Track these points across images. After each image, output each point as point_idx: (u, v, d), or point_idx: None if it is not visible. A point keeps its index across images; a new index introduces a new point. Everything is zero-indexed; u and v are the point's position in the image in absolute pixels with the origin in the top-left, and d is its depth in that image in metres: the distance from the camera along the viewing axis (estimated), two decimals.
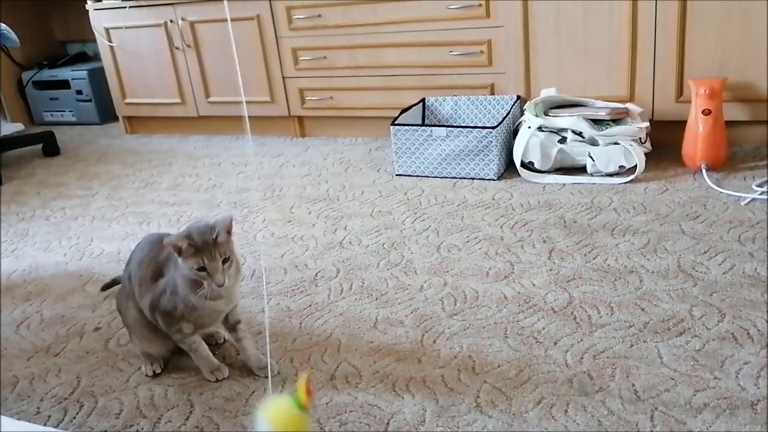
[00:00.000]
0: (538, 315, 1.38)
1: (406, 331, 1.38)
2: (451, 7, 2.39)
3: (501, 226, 1.82)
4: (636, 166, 2.01)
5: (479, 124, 2.41)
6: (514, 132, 2.24)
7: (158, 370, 1.33)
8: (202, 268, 1.14)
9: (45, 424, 1.20)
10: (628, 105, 2.14)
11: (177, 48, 3.00)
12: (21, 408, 1.27)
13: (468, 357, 1.26)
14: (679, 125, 2.08)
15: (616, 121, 2.11)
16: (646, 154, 2.06)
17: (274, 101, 2.89)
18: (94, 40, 3.25)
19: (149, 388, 1.29)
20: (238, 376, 1.29)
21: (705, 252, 1.55)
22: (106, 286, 1.61)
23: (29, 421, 1.21)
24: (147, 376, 1.32)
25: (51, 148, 3.14)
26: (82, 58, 3.87)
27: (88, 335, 1.51)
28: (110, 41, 3.16)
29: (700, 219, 1.72)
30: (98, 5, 3.11)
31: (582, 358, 1.23)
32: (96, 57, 3.72)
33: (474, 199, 2.03)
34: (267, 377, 1.25)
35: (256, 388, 1.25)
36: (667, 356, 1.20)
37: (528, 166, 2.15)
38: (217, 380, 1.28)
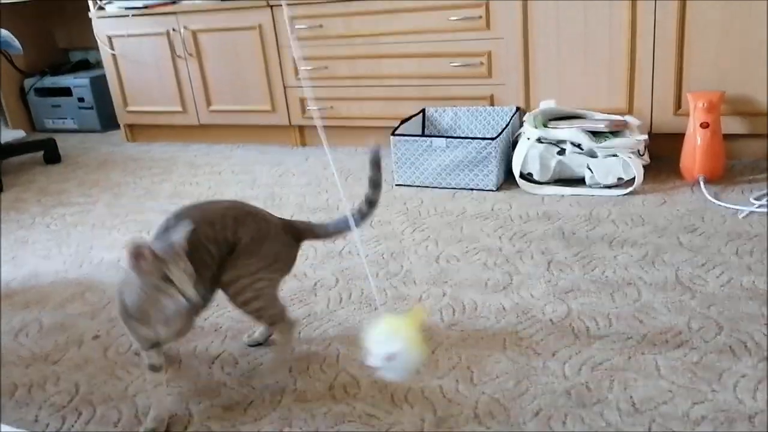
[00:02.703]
0: (537, 326, 1.38)
1: None
2: (452, 18, 2.41)
3: (500, 237, 1.82)
4: (634, 178, 2.02)
5: (479, 135, 2.42)
6: (514, 143, 2.25)
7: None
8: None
9: None
10: (627, 117, 2.15)
11: (179, 56, 3.02)
12: (19, 416, 1.27)
13: (466, 368, 1.27)
14: (678, 138, 2.10)
15: (614, 133, 2.12)
16: (644, 167, 2.07)
17: (274, 110, 2.90)
18: (97, 48, 3.27)
19: (148, 396, 1.29)
20: (237, 385, 1.29)
21: (703, 264, 1.56)
22: None
23: (27, 429, 1.21)
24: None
25: (52, 156, 3.15)
26: (84, 65, 3.89)
27: (87, 343, 1.51)
28: (112, 49, 3.18)
29: (698, 231, 1.73)
30: (101, 13, 3.13)
31: (580, 369, 1.23)
32: (98, 65, 3.74)
33: (473, 210, 2.04)
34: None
35: (254, 397, 1.25)
36: (665, 368, 1.21)
37: (527, 177, 2.16)
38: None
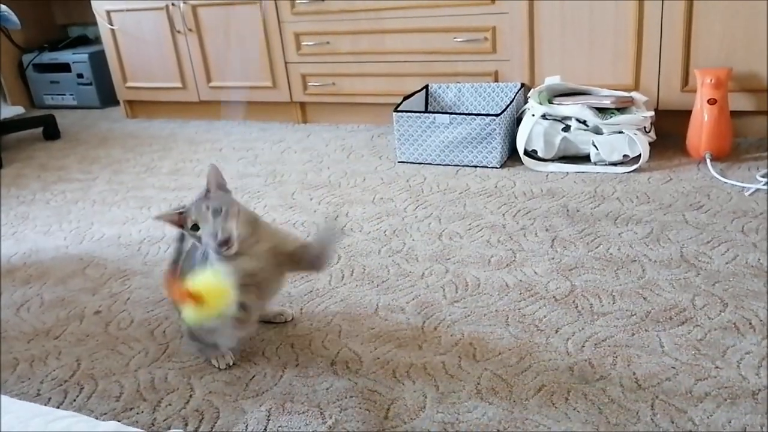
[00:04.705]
0: (540, 303, 1.38)
1: (407, 317, 1.38)
2: None
3: (503, 214, 1.81)
4: (640, 155, 2.00)
5: (483, 112, 2.39)
6: (518, 120, 2.23)
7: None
8: (195, 227, 1.12)
9: (45, 406, 1.20)
10: (633, 94, 2.12)
11: (178, 32, 2.98)
12: (21, 390, 1.27)
13: (469, 344, 1.26)
14: (684, 115, 2.07)
15: (620, 110, 2.10)
16: (650, 144, 2.04)
17: (276, 87, 2.87)
18: (95, 23, 3.23)
19: (149, 371, 1.29)
20: (239, 361, 1.29)
21: (708, 242, 1.54)
22: None
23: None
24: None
25: (51, 132, 3.13)
26: (83, 41, 3.84)
27: (89, 318, 1.51)
28: (111, 24, 3.14)
29: (703, 209, 1.71)
30: None
31: (583, 346, 1.22)
32: (97, 40, 3.70)
33: (476, 187, 2.02)
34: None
35: (256, 372, 1.25)
36: (669, 345, 1.20)
37: (531, 154, 2.14)
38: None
